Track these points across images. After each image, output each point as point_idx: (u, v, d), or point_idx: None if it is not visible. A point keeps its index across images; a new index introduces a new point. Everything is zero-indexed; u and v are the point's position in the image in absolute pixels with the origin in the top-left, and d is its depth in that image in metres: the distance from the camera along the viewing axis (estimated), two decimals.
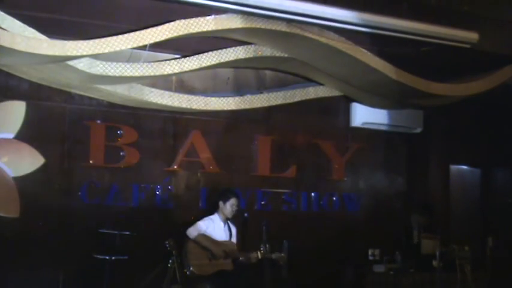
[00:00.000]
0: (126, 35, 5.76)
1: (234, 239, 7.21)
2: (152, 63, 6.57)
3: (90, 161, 7.55)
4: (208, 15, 5.91)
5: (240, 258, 7.02)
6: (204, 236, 6.96)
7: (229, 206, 7.17)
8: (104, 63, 6.31)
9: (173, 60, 6.71)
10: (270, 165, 8.56)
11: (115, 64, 6.38)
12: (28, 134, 7.12)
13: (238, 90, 7.92)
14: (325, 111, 8.57)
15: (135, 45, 5.80)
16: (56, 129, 7.38)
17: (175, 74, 6.78)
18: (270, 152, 8.57)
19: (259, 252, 6.94)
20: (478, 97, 7.64)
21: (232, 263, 6.99)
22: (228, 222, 7.24)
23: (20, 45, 5.36)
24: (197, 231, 6.95)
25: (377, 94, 7.67)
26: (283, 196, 8.66)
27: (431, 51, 7.09)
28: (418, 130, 8.31)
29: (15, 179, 7.06)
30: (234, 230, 7.26)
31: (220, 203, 7.22)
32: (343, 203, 9.06)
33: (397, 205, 9.34)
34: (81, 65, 6.15)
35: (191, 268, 6.79)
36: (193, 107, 7.53)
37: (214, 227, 7.10)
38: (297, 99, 8.09)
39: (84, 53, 5.69)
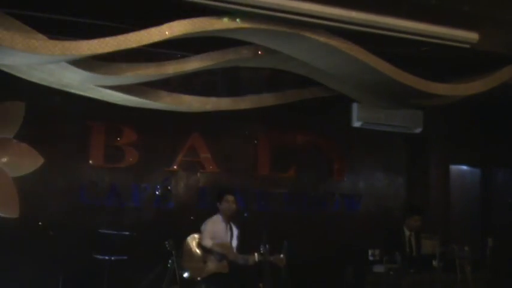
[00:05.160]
0: (126, 35, 5.75)
1: (234, 240, 7.20)
2: (152, 63, 6.57)
3: (90, 161, 7.56)
4: (208, 15, 5.91)
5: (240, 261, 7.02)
6: (219, 244, 6.98)
7: (225, 203, 7.15)
8: (104, 62, 6.32)
9: (173, 60, 6.71)
10: (269, 165, 8.57)
11: (114, 64, 6.39)
12: (27, 134, 7.13)
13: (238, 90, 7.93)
14: (325, 111, 8.57)
15: (134, 45, 5.79)
16: (56, 129, 7.39)
17: (175, 74, 6.77)
18: (270, 152, 8.58)
19: (257, 254, 6.91)
20: (478, 97, 7.64)
21: (228, 265, 6.98)
22: (231, 223, 7.23)
23: (20, 45, 5.36)
24: (210, 239, 6.95)
25: (376, 94, 7.66)
26: (282, 196, 8.67)
27: (431, 51, 7.10)
28: (418, 130, 8.31)
29: (15, 179, 7.06)
30: (235, 231, 7.24)
31: (218, 204, 7.21)
32: (343, 203, 9.07)
33: (397, 205, 9.36)
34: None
35: (186, 272, 6.80)
36: (193, 107, 7.53)
37: (217, 228, 7.10)
38: (296, 99, 8.09)
39: (84, 53, 5.68)
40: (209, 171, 8.21)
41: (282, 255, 6.95)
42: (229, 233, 7.17)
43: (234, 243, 7.17)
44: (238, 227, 7.28)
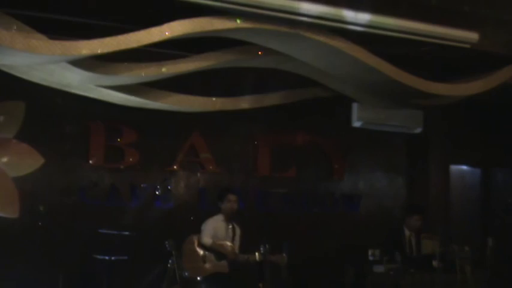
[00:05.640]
0: (126, 35, 5.75)
1: (236, 240, 7.19)
2: (152, 63, 6.57)
3: (90, 161, 7.55)
4: (208, 15, 5.91)
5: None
6: (219, 243, 6.97)
7: (227, 203, 7.17)
8: (104, 62, 6.32)
9: (172, 60, 6.70)
10: (270, 165, 8.56)
11: (114, 64, 6.39)
12: (27, 134, 7.12)
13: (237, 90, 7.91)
14: (325, 111, 8.56)
15: (134, 45, 5.79)
16: (56, 129, 7.38)
17: (174, 74, 6.77)
18: (270, 152, 8.57)
19: (257, 254, 6.91)
20: (478, 97, 7.64)
21: (227, 265, 6.98)
22: (234, 223, 7.23)
23: (20, 45, 5.36)
24: (210, 237, 6.95)
25: (377, 94, 7.67)
26: (282, 196, 8.67)
27: (431, 51, 7.10)
28: (418, 130, 8.31)
29: (15, 179, 7.06)
30: (238, 231, 7.25)
31: (220, 204, 7.22)
32: (343, 203, 9.06)
33: (397, 205, 9.35)
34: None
35: (186, 272, 6.80)
36: (193, 107, 7.53)
37: (217, 227, 7.10)
38: (297, 99, 8.08)
39: (84, 53, 5.68)
40: (209, 171, 8.20)
41: (284, 254, 6.96)
42: (230, 233, 7.17)
43: (236, 243, 7.16)
44: (240, 227, 7.28)
